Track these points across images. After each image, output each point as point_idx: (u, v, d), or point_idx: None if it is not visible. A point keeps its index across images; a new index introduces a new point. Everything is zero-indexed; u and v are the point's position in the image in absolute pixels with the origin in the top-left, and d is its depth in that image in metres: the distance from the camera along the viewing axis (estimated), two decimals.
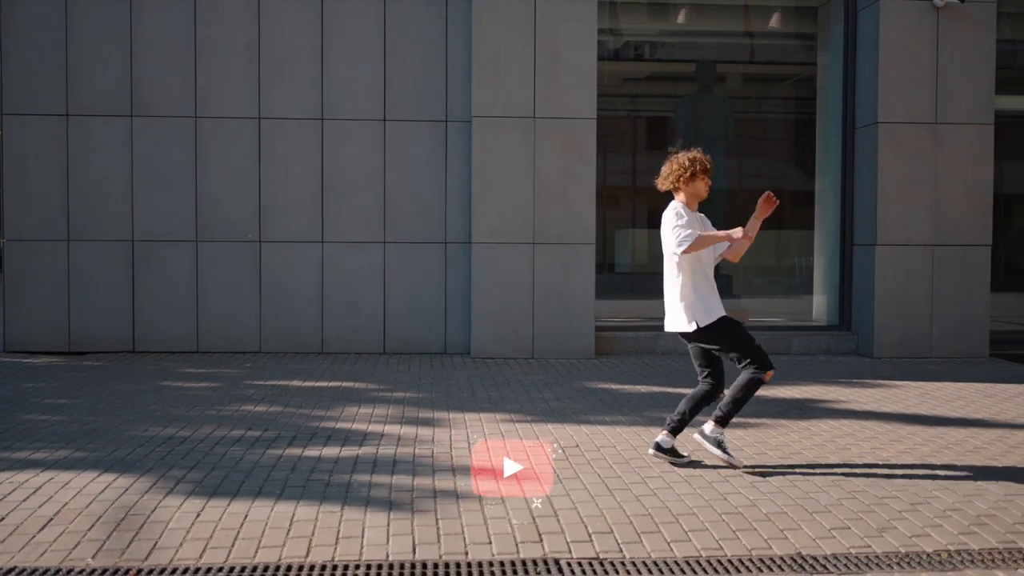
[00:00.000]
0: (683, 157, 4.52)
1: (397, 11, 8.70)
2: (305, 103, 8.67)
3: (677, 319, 4.54)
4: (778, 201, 4.44)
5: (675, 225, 4.41)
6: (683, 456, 4.65)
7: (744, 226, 4.46)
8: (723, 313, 4.51)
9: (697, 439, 4.56)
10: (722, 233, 4.41)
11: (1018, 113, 10.34)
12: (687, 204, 4.56)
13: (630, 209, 10.52)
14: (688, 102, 10.32)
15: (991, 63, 8.69)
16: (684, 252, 4.38)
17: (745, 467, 4.55)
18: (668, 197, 4.67)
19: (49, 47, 8.49)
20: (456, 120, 8.75)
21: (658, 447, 4.66)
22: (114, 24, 8.51)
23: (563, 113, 8.46)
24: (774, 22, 10.04)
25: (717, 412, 4.51)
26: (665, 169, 4.59)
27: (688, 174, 4.49)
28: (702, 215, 4.69)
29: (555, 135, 8.47)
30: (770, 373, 4.46)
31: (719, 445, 4.49)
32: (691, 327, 4.48)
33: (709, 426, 4.52)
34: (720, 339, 4.47)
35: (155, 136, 8.59)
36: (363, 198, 8.75)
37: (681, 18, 10.07)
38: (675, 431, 4.64)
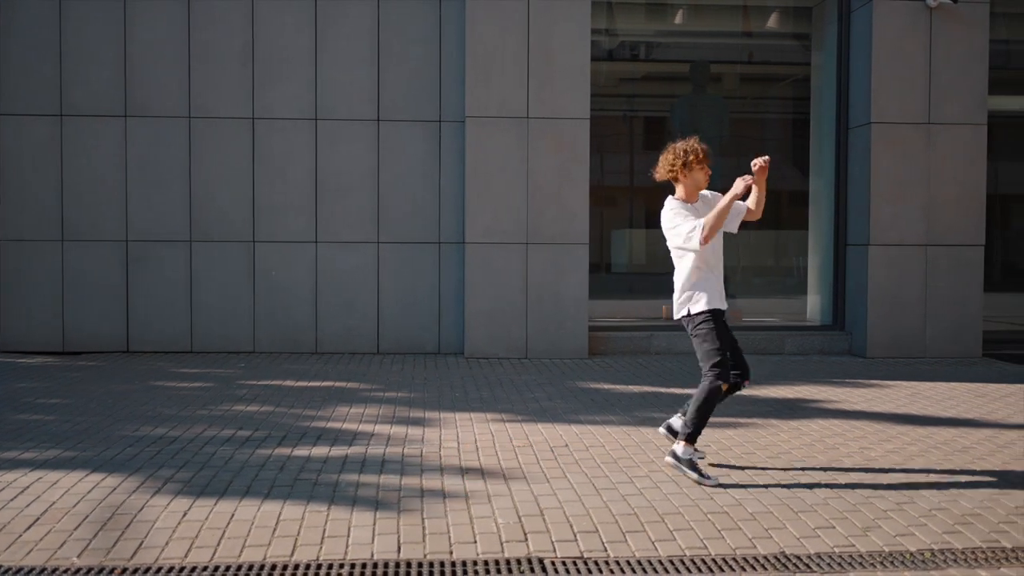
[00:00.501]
0: (679, 147, 4.43)
1: (391, 12, 8.71)
2: (300, 104, 8.68)
3: (676, 307, 4.52)
4: (768, 158, 4.32)
5: (675, 225, 4.33)
6: (697, 451, 4.59)
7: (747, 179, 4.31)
8: (718, 306, 4.39)
9: (669, 462, 4.44)
10: (727, 197, 4.24)
11: (1012, 113, 10.35)
12: (687, 196, 4.45)
13: (625, 209, 10.52)
14: (683, 102, 10.34)
15: (984, 63, 8.69)
16: (704, 242, 4.25)
17: (719, 484, 4.32)
18: (667, 190, 4.60)
19: (44, 48, 8.50)
20: (450, 120, 8.77)
21: (669, 428, 4.69)
22: (109, 25, 8.52)
23: (557, 113, 8.47)
24: (769, 22, 10.05)
25: (684, 430, 4.39)
26: (661, 159, 4.50)
27: (681, 163, 4.39)
28: (708, 193, 4.53)
29: (549, 135, 8.48)
30: (727, 386, 4.35)
31: (693, 467, 4.36)
32: (682, 313, 4.46)
33: (680, 447, 4.41)
34: (699, 331, 4.38)
35: (150, 136, 8.60)
36: (357, 198, 8.76)
37: (676, 18, 10.08)
38: None
